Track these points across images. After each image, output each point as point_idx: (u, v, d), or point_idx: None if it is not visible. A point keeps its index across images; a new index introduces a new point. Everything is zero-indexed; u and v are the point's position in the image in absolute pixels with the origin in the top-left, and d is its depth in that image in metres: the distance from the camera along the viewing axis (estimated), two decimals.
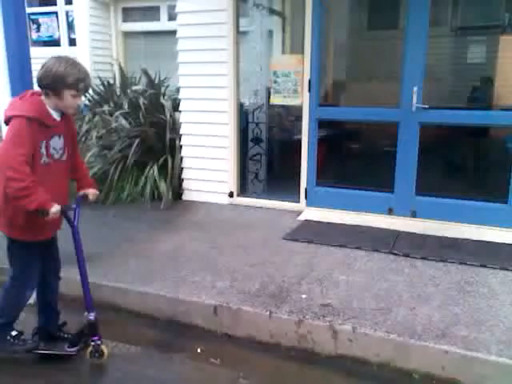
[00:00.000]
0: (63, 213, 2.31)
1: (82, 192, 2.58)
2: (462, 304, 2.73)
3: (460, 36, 6.91)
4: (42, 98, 2.26)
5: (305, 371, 2.45)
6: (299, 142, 4.50)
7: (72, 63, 2.22)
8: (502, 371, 2.21)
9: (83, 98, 6.02)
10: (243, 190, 4.93)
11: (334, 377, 2.39)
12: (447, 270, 3.19)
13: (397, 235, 3.83)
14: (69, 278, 3.21)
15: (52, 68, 2.18)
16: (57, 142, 2.33)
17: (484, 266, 3.23)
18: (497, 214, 3.91)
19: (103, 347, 2.45)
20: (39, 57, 7.67)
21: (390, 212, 4.21)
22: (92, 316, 2.42)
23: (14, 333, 2.48)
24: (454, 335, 2.40)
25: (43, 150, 2.26)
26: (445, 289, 2.92)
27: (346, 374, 2.41)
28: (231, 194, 4.83)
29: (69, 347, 2.49)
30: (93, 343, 2.43)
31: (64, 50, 7.31)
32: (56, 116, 2.31)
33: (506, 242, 3.67)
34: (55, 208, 2.19)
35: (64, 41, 7.35)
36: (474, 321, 2.54)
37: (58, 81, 2.17)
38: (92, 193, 2.59)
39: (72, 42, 7.19)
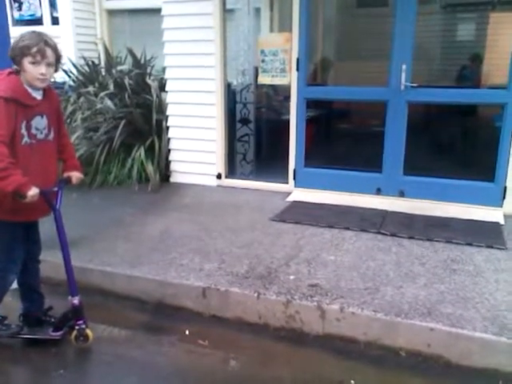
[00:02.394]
0: (43, 196, 2.26)
1: (65, 174, 2.53)
2: (448, 282, 2.75)
3: (449, 13, 6.83)
4: (20, 77, 2.21)
5: (293, 351, 2.47)
6: (287, 122, 4.46)
7: (30, 33, 2.20)
8: (486, 347, 2.25)
9: (67, 78, 5.92)
10: (231, 171, 4.89)
11: (323, 356, 2.42)
12: (434, 249, 3.22)
13: (385, 215, 3.84)
14: (55, 263, 3.19)
15: (15, 41, 2.19)
16: (39, 122, 2.28)
17: (470, 245, 3.27)
18: (484, 193, 3.94)
19: (88, 331, 2.44)
20: None
21: (378, 192, 4.22)
22: (76, 300, 2.40)
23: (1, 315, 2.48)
24: (440, 313, 2.42)
25: (23, 131, 2.21)
26: (431, 267, 2.95)
27: (335, 353, 2.43)
28: (219, 176, 4.80)
29: (53, 331, 2.48)
30: (77, 327, 2.42)
31: (47, 29, 7.11)
32: (36, 95, 2.26)
33: (492, 220, 3.70)
34: (33, 191, 2.15)
35: (46, 20, 7.14)
36: (459, 298, 2.57)
37: (16, 51, 2.17)
38: (76, 176, 2.53)
39: (55, 21, 6.98)
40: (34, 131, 2.25)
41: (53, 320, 2.58)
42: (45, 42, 2.19)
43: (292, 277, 2.84)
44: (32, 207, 2.26)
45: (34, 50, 2.16)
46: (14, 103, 2.14)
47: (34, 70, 2.18)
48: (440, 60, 6.54)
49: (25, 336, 2.51)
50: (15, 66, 2.21)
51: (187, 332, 2.62)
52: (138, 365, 2.38)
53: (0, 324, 2.48)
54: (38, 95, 2.27)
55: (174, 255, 3.17)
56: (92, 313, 2.58)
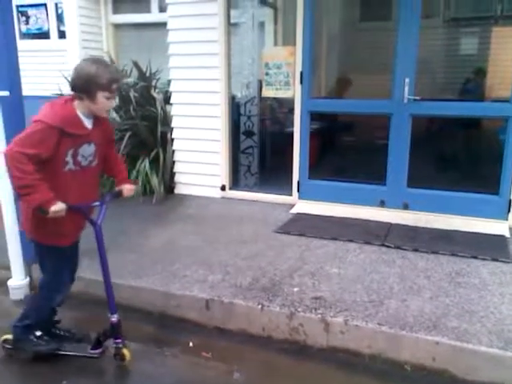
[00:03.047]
0: (81, 211, 2.29)
1: (117, 188, 2.53)
2: (453, 295, 2.74)
3: (452, 27, 6.88)
4: (75, 103, 2.19)
5: (297, 364, 2.45)
6: (291, 134, 4.48)
7: (104, 64, 2.20)
8: (492, 362, 2.23)
9: None
10: (235, 183, 4.91)
11: (326, 369, 2.40)
12: (439, 262, 3.20)
13: (389, 227, 3.84)
14: None
15: (84, 69, 2.14)
16: (86, 150, 2.25)
17: (475, 258, 3.25)
18: (488, 206, 3.92)
19: (125, 350, 2.40)
20: (28, 49, 7.58)
21: (382, 204, 4.22)
22: (115, 318, 2.37)
23: (38, 333, 2.46)
24: (445, 326, 2.41)
25: (69, 158, 2.19)
26: (436, 280, 2.93)
27: (338, 366, 2.42)
28: (223, 188, 4.82)
29: (92, 349, 2.47)
30: (115, 345, 2.39)
31: (54, 42, 7.21)
32: (88, 123, 2.23)
33: (497, 233, 3.69)
34: (57, 206, 2.11)
35: (53, 33, 7.25)
36: (464, 312, 2.55)
37: (91, 82, 2.12)
38: (127, 188, 2.51)
39: (62, 35, 7.08)
40: (79, 158, 2.23)
41: (62, 333, 2.58)
42: (121, 76, 2.18)
43: (296, 289, 2.84)
44: (74, 228, 2.36)
45: (115, 86, 2.18)
46: (60, 132, 2.11)
47: (106, 104, 2.20)
48: (443, 73, 6.58)
49: (65, 352, 2.48)
50: (75, 93, 2.17)
51: (191, 344, 2.61)
52: (140, 377, 2.37)
53: (40, 339, 2.46)
54: (89, 124, 2.25)
55: (177, 266, 3.17)
56: (95, 324, 2.58)
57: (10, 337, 2.51)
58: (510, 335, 2.32)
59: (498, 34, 6.12)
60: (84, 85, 2.13)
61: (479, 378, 2.23)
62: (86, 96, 2.15)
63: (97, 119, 2.29)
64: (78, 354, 2.49)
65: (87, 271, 3.07)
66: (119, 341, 2.39)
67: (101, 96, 2.15)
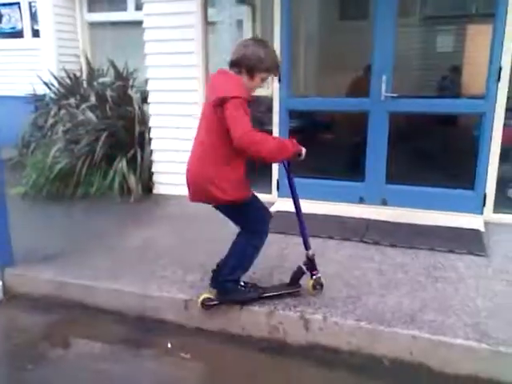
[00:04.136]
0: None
1: None
2: (430, 289, 2.76)
3: (429, 25, 6.98)
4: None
5: (277, 362, 2.45)
6: (270, 133, 4.47)
7: (271, 49, 2.43)
8: (467, 354, 2.25)
9: (48, 91, 5.88)
10: None
11: (306, 366, 2.40)
12: (416, 257, 3.24)
13: (368, 224, 3.86)
14: (34, 277, 3.15)
15: (254, 51, 2.34)
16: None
17: (452, 252, 3.29)
18: (464, 201, 3.98)
19: (323, 279, 2.68)
20: (1, 49, 7.42)
21: (361, 201, 4.24)
22: (311, 252, 2.66)
23: (242, 283, 2.67)
24: (422, 320, 2.43)
25: None
26: (414, 275, 2.96)
27: (318, 362, 2.42)
28: None
29: (288, 286, 2.73)
30: (314, 277, 2.67)
31: (27, 41, 7.08)
32: None
33: (473, 227, 3.74)
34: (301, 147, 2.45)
35: (27, 32, 7.11)
36: (441, 305, 2.58)
37: (258, 63, 2.33)
38: None
39: (36, 34, 6.96)
40: None
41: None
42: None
43: None
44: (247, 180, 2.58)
45: (274, 72, 2.44)
46: (246, 102, 2.28)
47: (259, 84, 2.42)
48: (420, 71, 6.67)
49: (269, 294, 2.67)
50: (239, 69, 2.36)
51: (169, 345, 2.58)
52: (119, 380, 2.33)
53: (247, 287, 2.70)
54: None
55: (155, 267, 3.13)
56: (72, 327, 2.53)
57: (209, 295, 2.63)
58: (485, 327, 2.36)
59: (473, 31, 6.23)
60: (249, 64, 2.34)
61: (456, 370, 2.25)
62: (246, 73, 2.36)
63: None
64: (283, 292, 2.69)
65: (58, 275, 3.01)
66: (316, 271, 2.68)
67: (259, 76, 2.38)
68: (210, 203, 2.56)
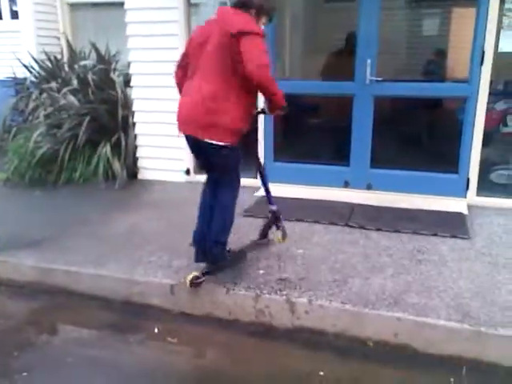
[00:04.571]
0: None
1: None
2: (414, 272, 2.81)
3: (414, 8, 6.93)
4: None
5: (263, 345, 2.47)
6: (255, 117, 4.43)
7: None
8: (450, 334, 2.30)
9: (29, 74, 5.75)
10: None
11: (292, 349, 2.43)
12: (400, 240, 3.27)
13: (353, 208, 3.89)
14: (18, 264, 3.11)
15: None
16: None
17: (435, 235, 3.34)
18: (448, 185, 4.03)
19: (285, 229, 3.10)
20: None
21: (346, 185, 4.26)
22: (274, 207, 3.03)
23: (227, 247, 2.75)
24: (406, 302, 2.47)
25: None
26: (398, 258, 3.00)
27: (304, 345, 2.45)
28: (188, 172, 4.75)
29: (259, 239, 3.14)
30: (280, 227, 3.09)
31: (6, 23, 6.87)
32: None
33: (457, 210, 3.79)
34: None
35: (6, 14, 6.90)
36: (424, 288, 2.62)
37: (266, 4, 2.55)
38: None
39: (14, 15, 6.76)
40: None
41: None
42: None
43: (261, 271, 2.84)
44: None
45: (273, 17, 2.65)
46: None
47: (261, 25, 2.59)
48: (405, 54, 6.63)
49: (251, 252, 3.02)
50: (249, 9, 2.49)
51: (156, 330, 2.58)
52: (105, 365, 2.33)
53: (229, 252, 2.81)
54: None
55: (141, 253, 3.12)
56: (57, 314, 2.52)
57: (196, 273, 2.64)
58: (467, 308, 2.41)
59: (458, 15, 6.21)
60: (263, 6, 2.53)
61: (439, 351, 2.30)
62: (255, 14, 2.51)
63: None
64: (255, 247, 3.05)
65: (42, 261, 2.98)
66: (280, 223, 3.08)
67: (262, 20, 2.58)
68: (201, 138, 2.51)
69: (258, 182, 4.46)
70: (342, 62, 4.54)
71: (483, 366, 2.23)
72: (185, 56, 2.68)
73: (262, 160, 2.95)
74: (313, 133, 5.80)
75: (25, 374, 2.26)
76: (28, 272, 3.04)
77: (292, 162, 4.48)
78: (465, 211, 3.79)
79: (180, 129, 2.62)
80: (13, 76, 6.15)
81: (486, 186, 4.07)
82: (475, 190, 3.97)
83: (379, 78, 3.97)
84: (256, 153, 3.01)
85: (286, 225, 3.21)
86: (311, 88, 4.42)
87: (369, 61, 3.92)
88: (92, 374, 2.27)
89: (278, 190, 4.29)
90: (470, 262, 2.93)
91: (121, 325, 2.64)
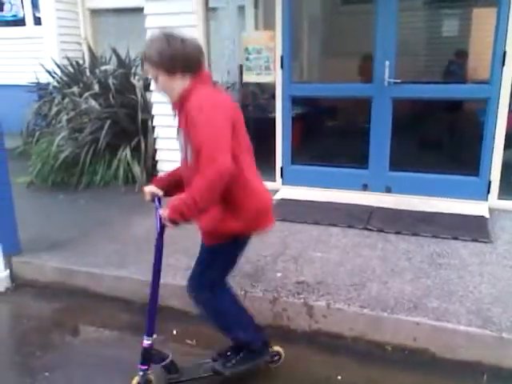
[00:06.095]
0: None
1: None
2: (434, 276, 2.77)
3: (433, 9, 6.86)
4: None
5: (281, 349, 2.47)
6: (274, 120, 4.45)
7: None
8: (470, 340, 2.27)
9: (51, 79, 5.87)
10: None
11: (310, 353, 2.43)
12: (420, 244, 3.24)
13: (371, 211, 3.86)
14: (41, 264, 3.18)
15: None
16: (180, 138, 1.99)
17: (456, 239, 3.29)
18: (469, 187, 3.97)
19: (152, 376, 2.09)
20: (4, 37, 7.35)
21: (365, 188, 4.23)
22: (149, 340, 2.09)
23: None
24: (426, 307, 2.44)
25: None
26: (417, 262, 2.97)
27: (321, 349, 2.44)
28: None
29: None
30: (141, 373, 2.07)
31: (29, 29, 7.03)
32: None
33: (478, 214, 3.73)
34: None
35: (29, 20, 7.06)
36: (444, 292, 2.59)
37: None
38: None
39: (37, 22, 6.92)
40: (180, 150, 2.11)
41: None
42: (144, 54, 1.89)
43: (279, 274, 2.85)
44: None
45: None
46: None
47: None
48: (424, 56, 6.57)
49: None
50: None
51: (174, 331, 2.61)
52: (125, 366, 2.35)
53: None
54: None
55: None
56: (78, 314, 2.57)
57: None
58: (489, 314, 2.37)
59: (478, 15, 6.12)
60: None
61: (458, 356, 2.28)
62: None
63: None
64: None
65: (64, 263, 3.04)
66: (147, 367, 2.08)
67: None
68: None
69: (277, 184, 4.48)
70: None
71: (504, 373, 2.20)
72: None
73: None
74: (331, 135, 5.79)
75: (47, 373, 2.31)
76: (50, 273, 3.11)
77: (310, 165, 4.48)
78: (486, 214, 3.72)
79: (273, 220, 2.11)
80: (36, 81, 6.29)
81: (508, 189, 3.99)
82: (497, 192, 3.90)
83: (398, 80, 3.94)
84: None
85: (304, 228, 3.19)
86: (329, 90, 4.40)
87: (387, 62, 3.89)
88: (112, 375, 2.31)
89: (296, 192, 4.32)
90: (491, 267, 2.89)
91: (141, 326, 2.65)
